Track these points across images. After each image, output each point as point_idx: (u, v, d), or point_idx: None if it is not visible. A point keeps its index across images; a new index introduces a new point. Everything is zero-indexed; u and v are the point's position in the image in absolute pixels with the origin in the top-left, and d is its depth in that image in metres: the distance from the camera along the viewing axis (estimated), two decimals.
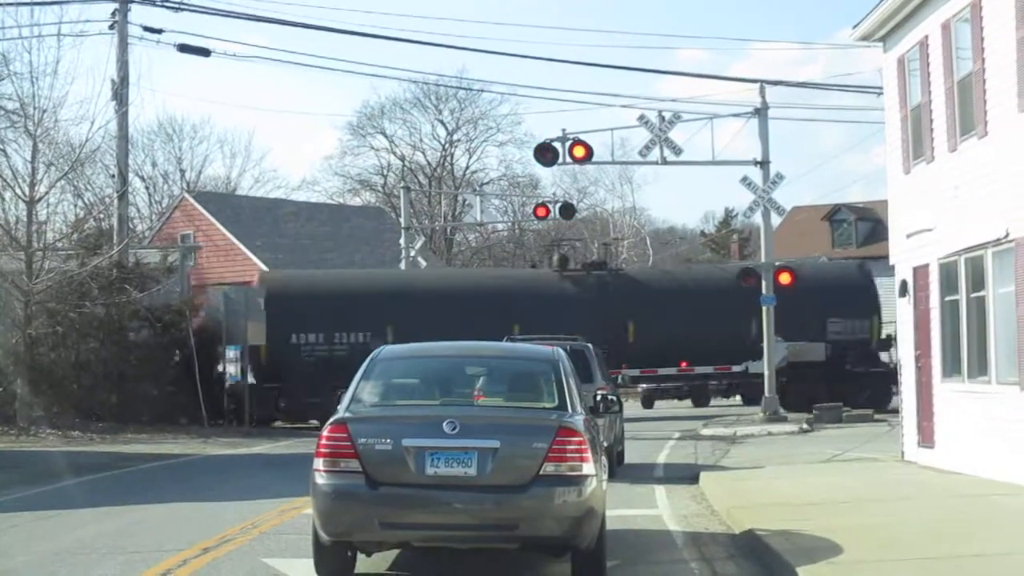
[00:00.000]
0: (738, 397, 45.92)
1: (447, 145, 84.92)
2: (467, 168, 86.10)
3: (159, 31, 38.92)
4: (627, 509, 16.56)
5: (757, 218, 37.57)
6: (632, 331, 40.02)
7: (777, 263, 36.73)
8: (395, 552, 12.34)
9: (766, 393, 36.66)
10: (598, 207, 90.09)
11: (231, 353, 38.56)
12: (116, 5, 38.33)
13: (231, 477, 23.07)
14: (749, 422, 35.05)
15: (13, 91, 34.43)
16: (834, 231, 75.96)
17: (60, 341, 34.92)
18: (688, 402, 48.08)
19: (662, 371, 41.25)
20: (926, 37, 20.56)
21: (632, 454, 24.93)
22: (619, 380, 30.64)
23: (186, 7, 38.84)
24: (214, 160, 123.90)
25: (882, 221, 55.90)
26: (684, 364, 40.78)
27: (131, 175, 52.32)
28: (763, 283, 35.92)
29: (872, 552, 12.18)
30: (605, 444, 16.22)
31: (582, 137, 35.23)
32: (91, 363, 35.24)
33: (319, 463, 10.98)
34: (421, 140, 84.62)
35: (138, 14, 47.32)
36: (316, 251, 63.57)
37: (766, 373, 36.64)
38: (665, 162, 35.56)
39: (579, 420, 11.33)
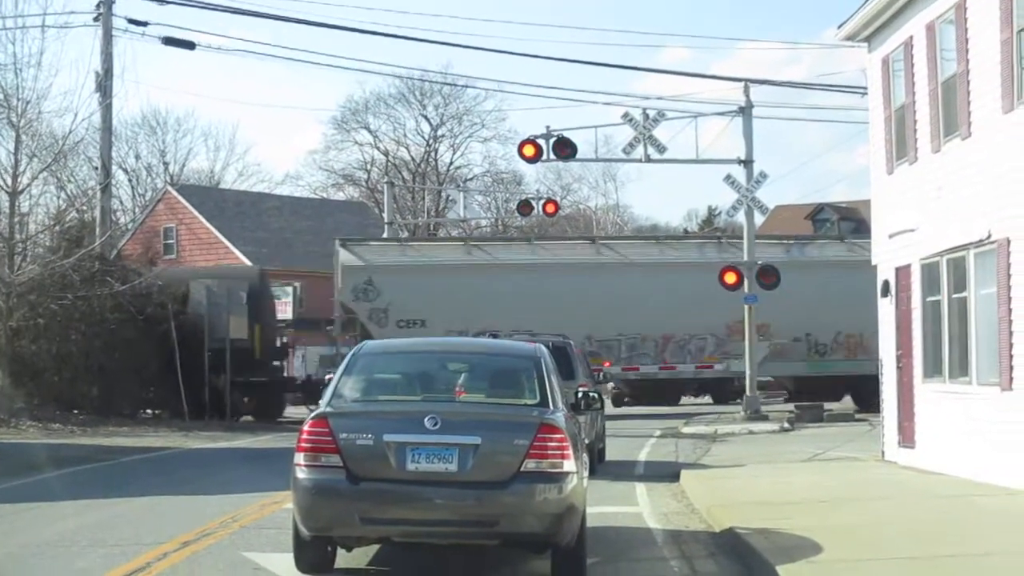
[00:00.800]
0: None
1: (431, 140, 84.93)
2: (451, 164, 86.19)
3: (144, 24, 38.97)
4: (608, 506, 16.54)
5: (740, 217, 37.56)
6: None
7: (759, 261, 36.76)
8: (375, 547, 12.30)
9: (747, 392, 36.74)
10: (581, 204, 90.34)
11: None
12: None
13: (212, 471, 23.05)
14: (730, 420, 35.09)
15: None
16: (817, 230, 75.98)
17: (41, 333, 34.76)
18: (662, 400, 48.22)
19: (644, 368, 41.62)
20: (911, 38, 20.58)
21: (613, 451, 24.92)
22: (600, 377, 30.69)
23: (171, 0, 38.81)
24: (198, 153, 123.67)
25: (865, 221, 55.95)
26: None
27: (114, 168, 52.13)
28: (745, 281, 35.94)
29: (852, 552, 12.21)
30: (587, 441, 16.23)
31: (566, 134, 35.28)
32: (72, 355, 35.03)
33: (300, 458, 10.96)
34: (405, 135, 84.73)
35: (123, 6, 47.55)
36: (299, 245, 63.56)
37: (747, 372, 36.71)
38: (649, 160, 35.59)
39: (560, 417, 11.33)
